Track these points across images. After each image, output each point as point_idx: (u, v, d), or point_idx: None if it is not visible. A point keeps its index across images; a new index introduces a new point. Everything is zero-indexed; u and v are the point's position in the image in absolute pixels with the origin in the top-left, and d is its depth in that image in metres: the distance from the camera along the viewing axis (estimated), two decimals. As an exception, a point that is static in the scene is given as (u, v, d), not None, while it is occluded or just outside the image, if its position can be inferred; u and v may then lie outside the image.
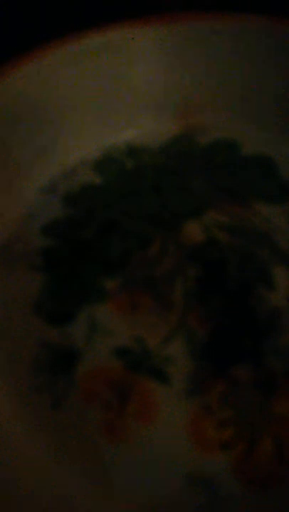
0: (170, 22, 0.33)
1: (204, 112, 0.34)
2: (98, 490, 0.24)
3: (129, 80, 0.34)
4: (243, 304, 0.29)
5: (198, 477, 0.25)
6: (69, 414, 0.26)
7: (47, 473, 0.25)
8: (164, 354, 0.27)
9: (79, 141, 0.33)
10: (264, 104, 0.34)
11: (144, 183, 0.33)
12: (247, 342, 0.28)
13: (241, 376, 0.27)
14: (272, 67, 0.33)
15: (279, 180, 0.32)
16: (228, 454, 0.25)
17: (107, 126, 0.34)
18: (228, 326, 0.28)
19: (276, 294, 0.29)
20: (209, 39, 0.33)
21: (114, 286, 0.29)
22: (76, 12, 0.38)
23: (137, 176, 0.33)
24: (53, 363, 0.27)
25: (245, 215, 0.31)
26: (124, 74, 0.34)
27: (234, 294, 0.29)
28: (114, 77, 0.34)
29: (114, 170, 0.33)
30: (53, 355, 0.28)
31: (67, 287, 0.29)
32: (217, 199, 0.32)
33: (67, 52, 0.33)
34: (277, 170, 0.33)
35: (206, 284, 0.29)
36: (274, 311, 0.28)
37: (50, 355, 0.28)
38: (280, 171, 0.33)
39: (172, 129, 0.34)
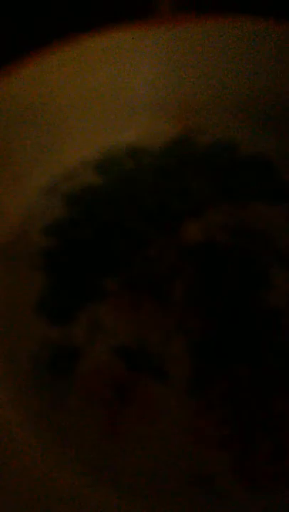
0: (170, 24, 0.34)
1: (204, 113, 0.34)
2: (98, 489, 0.24)
3: (129, 81, 0.34)
4: (243, 304, 0.29)
5: (197, 475, 0.25)
6: (69, 413, 0.26)
7: (48, 473, 0.25)
8: (164, 354, 0.27)
9: (79, 142, 0.33)
10: (263, 104, 0.34)
11: (144, 183, 0.33)
12: (247, 342, 0.28)
13: (241, 376, 0.27)
14: (271, 68, 0.33)
15: (278, 181, 0.32)
16: (228, 453, 0.25)
17: (108, 128, 0.34)
18: (228, 325, 0.28)
19: (276, 294, 0.29)
20: (208, 41, 0.33)
21: (115, 286, 0.29)
22: (76, 14, 0.38)
23: (137, 176, 0.33)
24: (53, 362, 0.27)
25: (245, 215, 0.31)
26: (125, 75, 0.34)
27: (234, 294, 0.29)
28: (114, 78, 0.34)
29: (114, 170, 0.33)
30: (53, 355, 0.28)
31: (68, 287, 0.29)
32: (217, 199, 0.32)
33: (68, 54, 0.33)
34: (276, 170, 0.33)
35: (205, 284, 0.29)
36: (274, 311, 0.28)
37: (50, 355, 0.28)
38: (279, 172, 0.33)
39: (172, 130, 0.34)
